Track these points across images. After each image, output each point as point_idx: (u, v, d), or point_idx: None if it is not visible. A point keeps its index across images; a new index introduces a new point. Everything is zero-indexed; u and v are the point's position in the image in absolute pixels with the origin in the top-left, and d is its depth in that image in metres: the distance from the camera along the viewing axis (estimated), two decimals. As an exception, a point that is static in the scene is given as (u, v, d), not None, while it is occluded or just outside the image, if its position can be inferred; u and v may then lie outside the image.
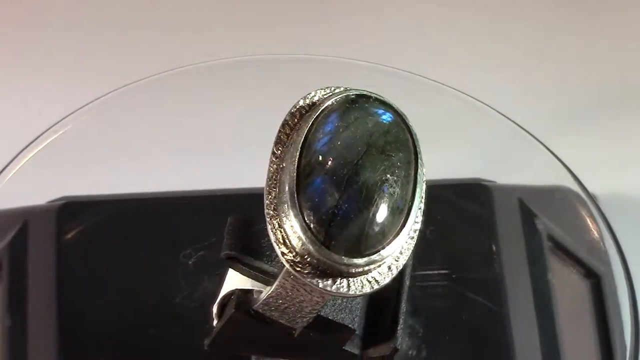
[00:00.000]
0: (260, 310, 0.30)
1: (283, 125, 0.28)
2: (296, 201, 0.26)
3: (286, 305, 0.29)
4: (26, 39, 0.61)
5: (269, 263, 0.31)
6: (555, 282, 0.41)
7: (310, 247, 0.26)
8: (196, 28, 0.62)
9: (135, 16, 0.62)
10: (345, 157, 0.27)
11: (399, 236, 0.27)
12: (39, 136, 0.44)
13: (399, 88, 0.48)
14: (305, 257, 0.26)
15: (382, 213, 0.27)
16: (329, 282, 0.27)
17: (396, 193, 0.27)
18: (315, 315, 0.30)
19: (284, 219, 0.27)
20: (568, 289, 0.42)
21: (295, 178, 0.26)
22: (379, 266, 0.27)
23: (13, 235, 0.42)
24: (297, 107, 0.28)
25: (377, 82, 0.48)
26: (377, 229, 0.27)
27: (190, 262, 0.40)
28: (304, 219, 0.26)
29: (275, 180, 0.27)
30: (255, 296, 0.31)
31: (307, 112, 0.28)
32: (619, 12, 0.62)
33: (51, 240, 0.42)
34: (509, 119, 0.45)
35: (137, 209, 0.43)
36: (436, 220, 0.43)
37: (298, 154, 0.27)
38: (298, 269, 0.27)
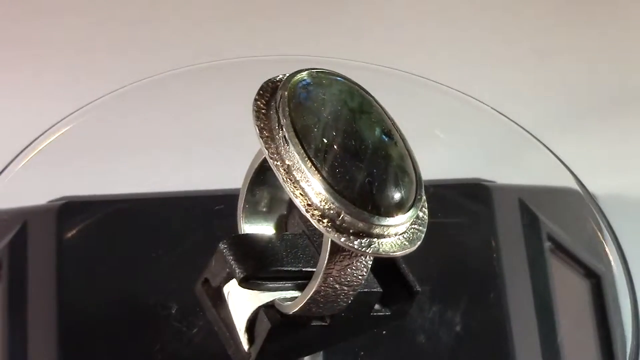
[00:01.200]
0: (300, 313, 0.30)
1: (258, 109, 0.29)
2: (332, 189, 0.27)
3: (330, 293, 0.29)
4: (26, 39, 0.61)
5: (290, 266, 0.32)
6: (555, 282, 0.41)
7: (362, 220, 0.27)
8: (196, 28, 0.62)
9: (136, 16, 0.62)
10: (343, 129, 0.28)
11: (420, 182, 0.29)
12: (39, 136, 0.44)
13: (399, 88, 0.48)
14: (360, 233, 0.27)
15: (400, 162, 0.28)
16: (383, 246, 0.27)
17: (397, 141, 0.29)
18: (356, 293, 0.30)
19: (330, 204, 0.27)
20: (568, 289, 0.42)
21: (313, 167, 0.27)
22: (417, 218, 0.29)
23: (13, 235, 0.42)
24: (263, 90, 0.29)
25: (377, 82, 0.48)
26: (406, 178, 0.28)
27: (190, 263, 0.40)
28: (345, 198, 0.27)
29: (288, 174, 0.27)
30: (280, 304, 0.31)
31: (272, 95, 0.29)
32: (619, 12, 0.62)
33: (51, 240, 0.42)
34: (509, 118, 0.45)
35: (137, 209, 0.43)
36: (436, 221, 0.43)
37: (298, 142, 0.27)
38: (354, 245, 0.27)
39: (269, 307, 0.32)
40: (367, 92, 0.30)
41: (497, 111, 0.45)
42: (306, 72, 0.29)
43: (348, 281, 0.29)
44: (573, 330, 0.40)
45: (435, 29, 0.62)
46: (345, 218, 0.27)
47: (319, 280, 0.29)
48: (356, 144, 0.28)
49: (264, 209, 0.33)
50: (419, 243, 0.29)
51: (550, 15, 0.62)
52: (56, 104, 0.53)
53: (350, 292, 0.30)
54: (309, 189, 0.27)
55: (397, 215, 0.28)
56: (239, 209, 0.33)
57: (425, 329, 0.39)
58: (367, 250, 0.27)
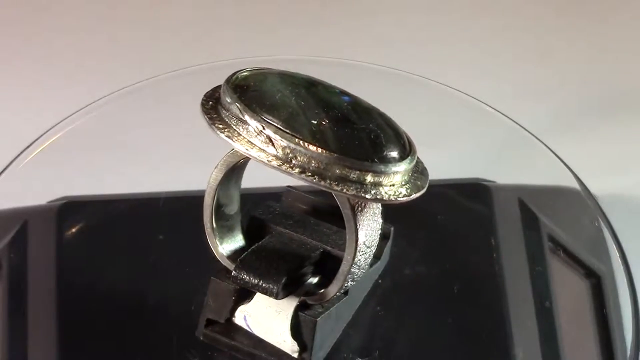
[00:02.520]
0: (336, 292, 0.33)
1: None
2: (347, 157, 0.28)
3: (362, 260, 0.31)
4: (26, 40, 0.61)
5: (310, 253, 0.34)
6: (555, 282, 0.41)
7: (376, 172, 0.29)
8: (197, 29, 0.62)
9: (136, 17, 0.62)
10: (316, 104, 0.29)
11: (402, 131, 0.31)
12: (39, 137, 0.45)
13: (399, 88, 0.48)
14: (376, 184, 0.29)
15: (379, 114, 0.31)
16: (403, 190, 0.30)
17: (357, 97, 0.31)
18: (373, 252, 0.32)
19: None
20: (568, 289, 0.42)
21: (317, 147, 0.28)
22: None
23: (13, 235, 0.42)
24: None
25: (377, 82, 0.48)
26: (394, 127, 0.30)
27: (190, 262, 0.40)
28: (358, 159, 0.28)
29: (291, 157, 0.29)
30: (313, 294, 0.33)
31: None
32: (620, 12, 0.62)
33: (51, 240, 0.42)
34: (509, 118, 0.45)
35: (137, 209, 0.43)
36: (436, 220, 0.43)
37: (289, 132, 0.28)
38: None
39: (302, 307, 0.33)
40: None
41: (498, 111, 0.45)
42: (242, 71, 0.30)
43: (371, 241, 0.31)
44: (573, 330, 0.40)
45: (436, 29, 0.62)
46: (367, 178, 0.28)
47: (354, 247, 0.30)
48: (337, 111, 0.29)
49: (232, 213, 0.34)
50: (427, 185, 0.30)
51: (551, 15, 0.62)
52: (56, 104, 0.53)
53: (371, 253, 0.31)
54: (323, 171, 0.28)
55: (402, 161, 0.29)
56: (208, 222, 0.33)
57: (425, 329, 0.39)
58: (392, 198, 0.29)
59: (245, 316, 0.34)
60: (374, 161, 0.28)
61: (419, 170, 0.31)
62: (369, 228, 0.31)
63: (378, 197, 0.29)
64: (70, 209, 0.43)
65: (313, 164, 0.28)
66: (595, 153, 0.54)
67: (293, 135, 0.28)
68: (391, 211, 0.43)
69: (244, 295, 0.34)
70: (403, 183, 0.29)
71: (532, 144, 0.44)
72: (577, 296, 0.42)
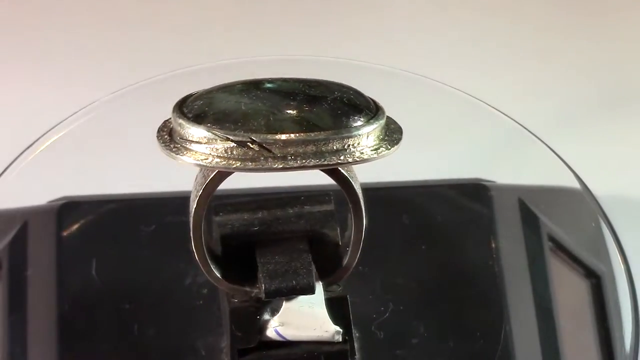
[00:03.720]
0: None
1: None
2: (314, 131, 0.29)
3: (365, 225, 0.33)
4: (26, 39, 0.61)
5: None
6: (555, 282, 0.41)
7: (350, 136, 0.29)
8: (197, 29, 0.62)
9: (136, 17, 0.62)
10: (276, 100, 0.30)
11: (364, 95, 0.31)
12: (39, 137, 0.45)
13: (399, 87, 0.48)
14: (356, 146, 0.29)
15: (336, 84, 0.31)
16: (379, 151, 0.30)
17: (308, 81, 0.31)
18: None
19: None
20: (568, 289, 0.42)
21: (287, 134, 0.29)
22: None
23: (13, 235, 0.42)
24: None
25: (378, 81, 0.48)
26: (353, 92, 0.31)
27: (190, 262, 0.40)
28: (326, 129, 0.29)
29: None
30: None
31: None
32: (620, 12, 0.62)
33: (51, 240, 0.42)
34: (509, 117, 0.45)
35: (137, 209, 0.43)
36: (436, 221, 0.43)
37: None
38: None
39: (326, 291, 0.33)
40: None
41: (498, 110, 0.45)
42: (189, 96, 0.31)
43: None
44: (573, 330, 0.40)
45: (436, 28, 0.62)
46: (340, 145, 0.29)
47: (362, 210, 0.32)
48: (291, 97, 0.30)
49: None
50: (402, 137, 0.31)
51: (552, 14, 0.62)
52: (56, 104, 0.53)
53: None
54: (300, 154, 0.29)
55: (372, 121, 0.30)
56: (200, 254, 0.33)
57: (425, 329, 0.39)
58: (374, 155, 0.30)
59: (276, 329, 0.34)
60: (345, 127, 0.29)
61: (392, 129, 0.31)
62: (359, 188, 0.32)
63: (360, 158, 0.29)
64: (70, 209, 0.43)
65: (290, 150, 0.29)
66: (596, 153, 0.54)
67: (262, 132, 0.29)
68: (391, 211, 0.44)
69: (269, 309, 0.34)
70: (381, 139, 0.30)
71: (532, 143, 0.44)
72: (577, 296, 0.42)
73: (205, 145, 0.29)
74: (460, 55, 0.60)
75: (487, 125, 0.46)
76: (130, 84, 0.47)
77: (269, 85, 0.30)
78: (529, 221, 0.43)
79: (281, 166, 0.29)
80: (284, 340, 0.34)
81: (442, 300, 0.40)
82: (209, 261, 0.33)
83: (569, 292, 0.42)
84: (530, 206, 0.43)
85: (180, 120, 0.29)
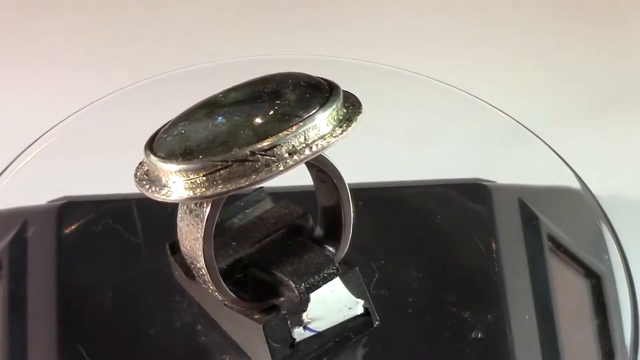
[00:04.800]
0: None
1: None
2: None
3: None
4: (27, 39, 0.61)
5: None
6: (555, 282, 0.41)
7: (306, 131, 0.29)
8: (197, 28, 0.62)
9: (136, 17, 0.62)
10: (233, 112, 0.30)
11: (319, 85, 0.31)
12: (39, 137, 0.45)
13: (400, 87, 0.48)
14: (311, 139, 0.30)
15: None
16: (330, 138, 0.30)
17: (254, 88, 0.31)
18: None
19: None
20: (568, 288, 0.42)
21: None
22: None
23: (13, 235, 0.42)
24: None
25: (378, 81, 0.48)
26: (302, 87, 0.31)
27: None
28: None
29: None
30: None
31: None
32: (620, 12, 0.62)
33: (51, 240, 0.42)
34: (510, 116, 0.45)
35: (137, 208, 0.43)
36: (436, 220, 0.43)
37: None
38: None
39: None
40: None
41: (498, 109, 0.45)
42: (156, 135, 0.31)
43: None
44: (573, 330, 0.40)
45: (437, 28, 0.62)
46: (302, 138, 0.29)
47: (347, 192, 0.33)
48: (248, 106, 0.30)
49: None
50: (361, 110, 0.31)
51: (552, 14, 0.62)
52: (56, 104, 0.53)
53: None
54: (271, 159, 0.29)
55: (326, 106, 0.29)
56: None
57: (425, 329, 0.39)
58: (339, 137, 0.30)
59: (307, 327, 0.34)
60: (301, 120, 0.29)
61: (351, 102, 0.31)
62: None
63: (324, 144, 0.29)
64: (70, 209, 0.43)
65: (284, 148, 0.29)
66: (596, 153, 0.54)
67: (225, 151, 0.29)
68: (391, 211, 0.43)
69: (293, 312, 0.34)
70: (340, 120, 0.30)
71: (532, 143, 0.44)
72: (577, 296, 0.42)
73: (203, 177, 0.29)
74: (460, 55, 0.60)
75: (487, 124, 0.46)
76: (130, 84, 0.47)
77: (227, 99, 0.30)
78: (529, 221, 0.43)
79: (282, 168, 0.29)
80: (315, 333, 0.34)
81: (442, 300, 0.40)
82: (225, 288, 0.33)
83: (569, 292, 0.42)
84: (530, 206, 0.43)
85: (169, 164, 0.29)
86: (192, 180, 0.29)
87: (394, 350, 0.37)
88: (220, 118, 0.29)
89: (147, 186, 0.30)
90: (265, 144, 0.29)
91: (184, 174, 0.29)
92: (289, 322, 0.34)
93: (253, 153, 0.29)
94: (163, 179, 0.30)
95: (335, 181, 0.33)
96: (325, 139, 0.29)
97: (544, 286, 0.41)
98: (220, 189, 0.29)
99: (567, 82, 0.59)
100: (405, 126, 0.48)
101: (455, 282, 0.41)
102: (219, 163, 0.29)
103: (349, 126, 0.30)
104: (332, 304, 0.34)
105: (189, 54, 0.59)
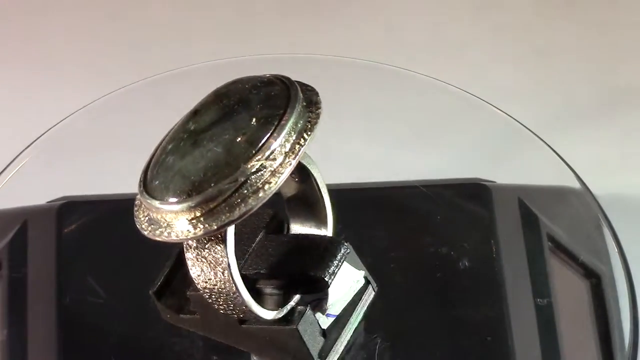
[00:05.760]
0: None
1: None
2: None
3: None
4: (26, 40, 0.61)
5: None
6: (555, 282, 0.41)
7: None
8: (196, 28, 0.62)
9: (136, 17, 0.62)
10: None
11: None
12: (39, 136, 0.45)
13: (399, 86, 0.48)
14: None
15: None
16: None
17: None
18: None
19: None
20: (568, 289, 0.42)
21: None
22: None
23: (13, 235, 0.42)
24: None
25: (378, 80, 0.48)
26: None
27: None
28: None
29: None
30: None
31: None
32: (620, 12, 0.62)
33: (51, 240, 0.42)
34: (510, 116, 0.45)
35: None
36: (436, 221, 0.43)
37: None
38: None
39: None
40: None
41: (499, 109, 0.45)
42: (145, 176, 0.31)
43: None
44: (573, 330, 0.40)
45: (437, 28, 0.62)
46: (268, 166, 0.29)
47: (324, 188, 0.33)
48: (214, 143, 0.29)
49: None
50: (320, 106, 0.30)
51: (552, 14, 0.62)
52: (56, 104, 0.53)
53: None
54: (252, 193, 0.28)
55: (294, 107, 0.29)
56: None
57: (425, 329, 0.39)
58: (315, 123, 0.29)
59: (328, 314, 0.34)
60: (284, 116, 0.29)
61: (305, 87, 0.31)
62: None
63: (311, 131, 0.29)
64: (69, 209, 0.43)
65: (277, 151, 0.28)
66: (596, 153, 0.54)
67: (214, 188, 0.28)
68: (391, 211, 0.43)
69: (314, 305, 0.34)
70: (307, 105, 0.30)
71: (532, 143, 0.44)
72: (577, 296, 0.42)
73: (223, 203, 0.28)
74: (461, 55, 0.60)
75: (488, 123, 0.46)
76: (130, 84, 0.47)
77: (202, 123, 0.30)
78: (529, 221, 0.43)
79: (289, 167, 0.28)
80: (335, 317, 0.35)
81: (442, 300, 0.40)
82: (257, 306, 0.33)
83: (569, 292, 0.42)
84: (530, 206, 0.43)
85: (183, 203, 0.28)
86: (213, 210, 0.28)
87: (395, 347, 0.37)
88: (210, 144, 0.29)
89: (167, 231, 0.29)
90: (267, 153, 0.28)
91: (203, 206, 0.28)
92: (314, 315, 0.34)
93: (262, 166, 0.28)
94: (179, 220, 0.29)
95: (302, 162, 0.32)
96: (310, 126, 0.29)
97: (544, 286, 0.41)
98: (243, 208, 0.28)
99: (567, 82, 0.59)
100: (405, 126, 0.48)
101: (455, 282, 0.41)
102: (233, 184, 0.28)
103: (319, 108, 0.30)
104: (344, 282, 0.34)
105: (188, 53, 0.59)
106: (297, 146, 0.29)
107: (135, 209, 0.31)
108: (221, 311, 0.32)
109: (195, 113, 0.30)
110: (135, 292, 0.40)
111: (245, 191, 0.28)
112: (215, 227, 0.28)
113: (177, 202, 0.29)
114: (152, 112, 0.48)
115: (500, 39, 0.61)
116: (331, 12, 0.63)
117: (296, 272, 0.33)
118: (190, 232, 0.29)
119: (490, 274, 0.41)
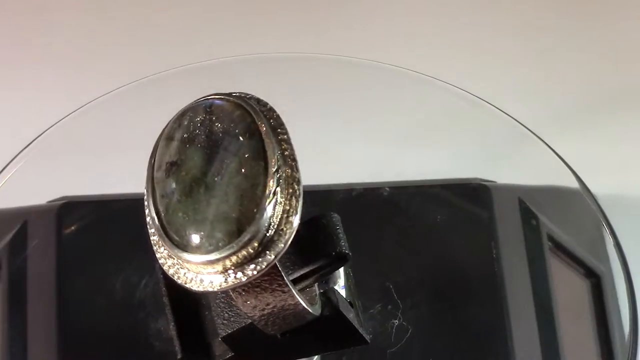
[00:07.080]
0: None
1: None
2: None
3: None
4: (26, 40, 0.61)
5: None
6: (555, 282, 0.41)
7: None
8: (197, 27, 0.62)
9: (136, 16, 0.62)
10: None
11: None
12: (39, 136, 0.44)
13: (399, 86, 0.48)
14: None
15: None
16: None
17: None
18: None
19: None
20: (568, 289, 0.42)
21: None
22: None
23: (13, 235, 0.42)
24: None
25: (379, 79, 0.48)
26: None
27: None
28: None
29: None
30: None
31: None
32: (620, 12, 0.62)
33: (51, 240, 0.42)
34: (510, 116, 0.45)
35: (136, 208, 0.43)
36: (436, 221, 0.43)
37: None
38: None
39: None
40: None
41: (499, 109, 0.45)
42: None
43: None
44: (573, 330, 0.40)
45: (437, 28, 0.62)
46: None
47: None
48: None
49: None
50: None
51: (552, 14, 0.62)
52: (56, 104, 0.53)
53: None
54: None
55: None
56: None
57: (426, 329, 0.39)
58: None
59: (343, 286, 0.34)
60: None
61: (262, 103, 0.30)
62: None
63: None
64: (69, 209, 0.43)
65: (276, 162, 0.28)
66: (596, 153, 0.54)
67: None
68: (391, 211, 0.43)
69: (330, 282, 0.34)
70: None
71: (532, 143, 0.44)
72: (577, 296, 0.42)
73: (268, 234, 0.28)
74: (460, 55, 0.60)
75: (488, 123, 0.46)
76: (130, 83, 0.47)
77: (192, 169, 0.29)
78: (529, 221, 0.43)
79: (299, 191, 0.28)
80: (344, 287, 0.35)
81: (442, 300, 0.40)
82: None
83: (569, 291, 0.42)
84: (530, 206, 0.43)
85: (229, 248, 0.27)
86: (255, 248, 0.27)
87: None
88: (223, 178, 0.28)
89: (224, 278, 0.28)
90: (282, 173, 0.28)
91: (250, 247, 0.27)
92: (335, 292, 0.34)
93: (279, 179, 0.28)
94: (221, 267, 0.28)
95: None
96: (285, 137, 0.28)
97: (544, 286, 0.41)
98: (285, 238, 0.27)
99: (567, 82, 0.59)
100: (405, 126, 0.48)
101: (455, 281, 0.41)
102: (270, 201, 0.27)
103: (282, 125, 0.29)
104: None
105: (188, 53, 0.59)
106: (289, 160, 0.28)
107: (164, 265, 0.30)
108: (272, 332, 0.31)
109: (172, 164, 0.30)
110: (135, 291, 0.40)
111: (284, 211, 0.28)
112: (273, 257, 0.27)
113: (232, 245, 0.28)
114: (152, 112, 0.48)
115: (500, 39, 0.61)
116: (331, 11, 0.63)
117: (321, 257, 0.33)
118: (256, 268, 0.28)
119: (490, 274, 0.41)
